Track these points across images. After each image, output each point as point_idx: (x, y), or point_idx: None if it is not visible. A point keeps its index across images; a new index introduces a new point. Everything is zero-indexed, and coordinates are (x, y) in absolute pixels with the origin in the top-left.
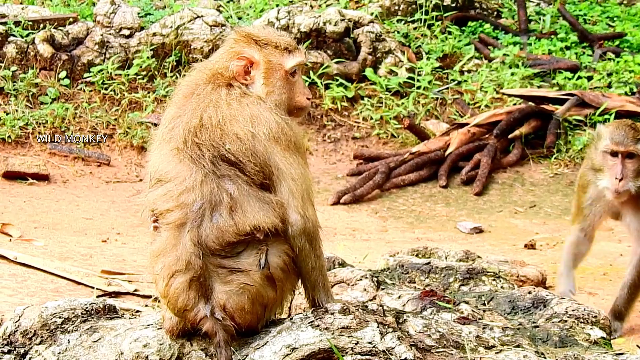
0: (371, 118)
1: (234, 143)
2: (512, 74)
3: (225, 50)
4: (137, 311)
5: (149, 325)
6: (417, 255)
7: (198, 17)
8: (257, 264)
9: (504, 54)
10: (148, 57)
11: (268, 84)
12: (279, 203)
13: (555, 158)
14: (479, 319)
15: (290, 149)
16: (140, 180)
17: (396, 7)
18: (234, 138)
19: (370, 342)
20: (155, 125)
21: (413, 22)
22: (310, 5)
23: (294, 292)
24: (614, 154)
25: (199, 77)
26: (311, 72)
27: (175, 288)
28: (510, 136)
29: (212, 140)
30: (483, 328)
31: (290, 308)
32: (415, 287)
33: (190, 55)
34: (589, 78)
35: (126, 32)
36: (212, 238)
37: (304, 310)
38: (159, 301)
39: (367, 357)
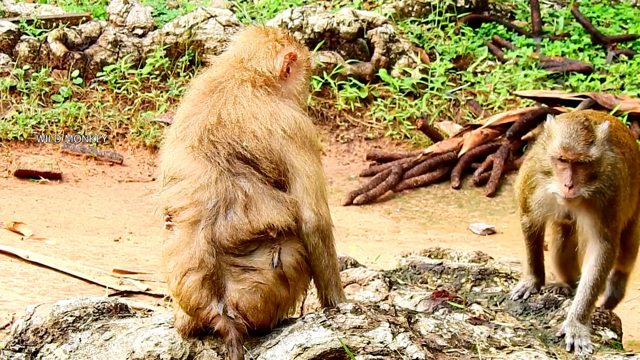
0: (384, 119)
1: (252, 141)
2: (525, 76)
3: (267, 46)
4: (149, 310)
5: (160, 324)
6: (429, 256)
7: (211, 16)
8: (270, 262)
9: (517, 56)
10: (161, 57)
11: (303, 83)
12: (293, 202)
13: None
14: (491, 319)
15: (305, 146)
16: (153, 179)
17: (410, 8)
18: (252, 136)
19: (382, 342)
20: (168, 124)
21: (427, 23)
22: (324, 6)
23: (307, 291)
24: (563, 159)
25: (223, 73)
26: (325, 72)
27: (187, 286)
28: (523, 137)
29: (228, 138)
30: (494, 328)
31: (302, 308)
32: (427, 288)
33: (204, 55)
34: (602, 80)
35: (139, 31)
36: (226, 236)
37: (316, 310)
38: (171, 300)
39: (379, 356)
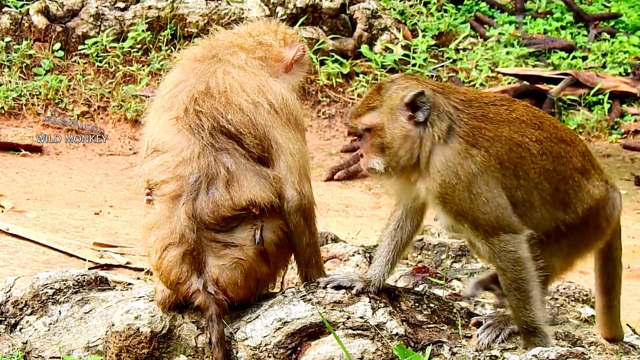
0: None
1: (237, 114)
2: (508, 53)
3: (278, 32)
4: (129, 284)
5: (140, 297)
6: None
7: None
8: (251, 238)
9: (500, 33)
10: (143, 31)
11: (299, 84)
12: (276, 178)
13: None
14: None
15: (290, 123)
16: (134, 153)
17: None
18: (237, 109)
19: (361, 317)
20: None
21: None
22: None
23: (287, 266)
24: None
25: (224, 40)
26: (306, 47)
27: (168, 261)
28: None
29: (214, 109)
30: (474, 305)
31: (282, 282)
32: (407, 264)
33: (186, 29)
34: (584, 58)
35: (121, 4)
36: (207, 212)
37: (296, 285)
38: (151, 274)
39: (359, 331)
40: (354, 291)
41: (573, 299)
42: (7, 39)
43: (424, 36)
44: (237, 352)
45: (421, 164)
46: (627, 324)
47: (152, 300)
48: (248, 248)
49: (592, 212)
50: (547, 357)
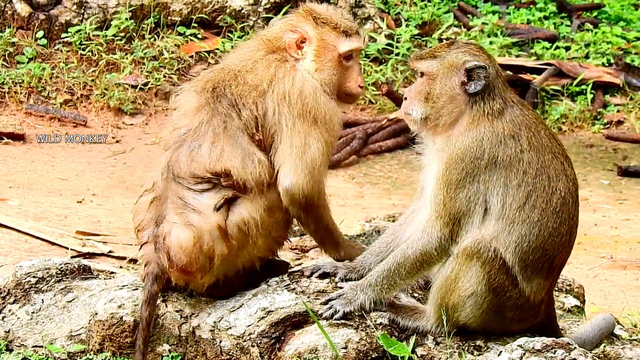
0: None
1: (240, 86)
2: (491, 43)
3: (284, 21)
4: (112, 272)
5: (123, 286)
6: (393, 221)
7: None
8: (213, 206)
9: (483, 23)
10: (126, 19)
11: (318, 62)
12: (264, 163)
13: None
14: None
15: (305, 118)
16: (117, 141)
17: None
18: (242, 82)
19: None
20: (134, 87)
21: None
22: None
23: (260, 260)
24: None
25: (250, 43)
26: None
27: (139, 205)
28: None
29: (224, 81)
30: None
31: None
32: None
33: (169, 18)
34: (567, 48)
35: None
36: (181, 164)
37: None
38: (134, 262)
39: (343, 320)
40: (336, 278)
41: (556, 288)
42: None
43: (407, 25)
44: (220, 341)
45: (456, 128)
46: (611, 314)
47: (136, 289)
48: (207, 217)
49: None
50: (533, 347)
